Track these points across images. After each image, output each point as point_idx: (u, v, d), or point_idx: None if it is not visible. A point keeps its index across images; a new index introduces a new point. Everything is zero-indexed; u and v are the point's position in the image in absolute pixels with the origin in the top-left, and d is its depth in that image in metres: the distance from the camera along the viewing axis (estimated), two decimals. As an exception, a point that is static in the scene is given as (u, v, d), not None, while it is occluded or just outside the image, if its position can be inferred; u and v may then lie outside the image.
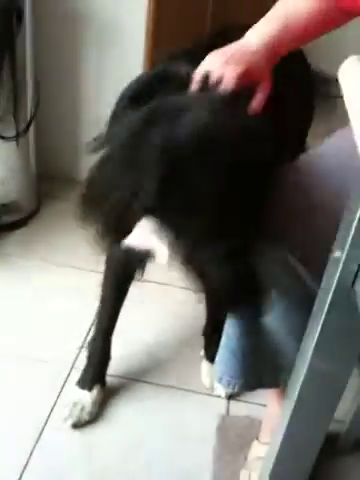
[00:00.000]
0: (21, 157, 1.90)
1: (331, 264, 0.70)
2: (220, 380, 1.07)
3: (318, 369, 0.74)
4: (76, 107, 2.07)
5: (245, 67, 0.92)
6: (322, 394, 0.77)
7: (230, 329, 1.01)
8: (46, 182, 2.12)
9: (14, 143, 1.82)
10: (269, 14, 1.01)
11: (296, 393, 0.77)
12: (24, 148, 1.89)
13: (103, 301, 1.36)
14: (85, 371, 1.38)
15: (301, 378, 0.75)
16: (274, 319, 0.95)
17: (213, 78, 0.92)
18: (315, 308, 0.72)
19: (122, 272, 1.30)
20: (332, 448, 1.12)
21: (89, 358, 1.38)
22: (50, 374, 1.43)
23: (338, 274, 0.66)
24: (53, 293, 1.67)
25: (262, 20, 1.01)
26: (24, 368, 1.44)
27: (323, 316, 0.67)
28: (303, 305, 0.89)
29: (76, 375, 1.40)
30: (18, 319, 1.59)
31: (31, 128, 1.88)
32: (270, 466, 0.86)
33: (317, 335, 0.70)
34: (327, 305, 0.66)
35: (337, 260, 0.67)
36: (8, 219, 1.94)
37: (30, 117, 1.85)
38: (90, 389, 1.36)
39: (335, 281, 0.66)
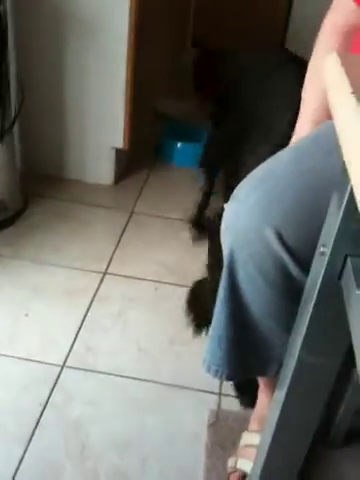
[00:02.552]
0: (6, 155, 1.89)
1: (317, 258, 0.70)
2: (208, 369, 1.07)
3: (307, 362, 0.74)
4: (60, 105, 2.06)
5: None
6: (312, 386, 0.77)
7: (217, 318, 1.01)
8: (32, 181, 2.11)
9: (-1, 142, 1.82)
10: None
11: (286, 386, 0.77)
12: (9, 146, 1.88)
13: None
14: None
15: (290, 371, 0.76)
16: (260, 309, 0.95)
17: None
18: (302, 302, 0.72)
19: None
20: (323, 441, 1.13)
21: None
22: (40, 374, 1.43)
23: (324, 268, 0.66)
24: (40, 292, 1.67)
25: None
26: (13, 368, 1.44)
27: (310, 310, 0.67)
28: (290, 296, 0.90)
29: (66, 375, 1.40)
30: (6, 318, 1.58)
31: (15, 126, 1.87)
32: (262, 459, 0.87)
33: (305, 329, 0.70)
34: (314, 299, 0.67)
35: (323, 254, 0.67)
36: (-5, 218, 1.93)
37: (14, 115, 1.84)
38: None
39: (321, 275, 0.66)
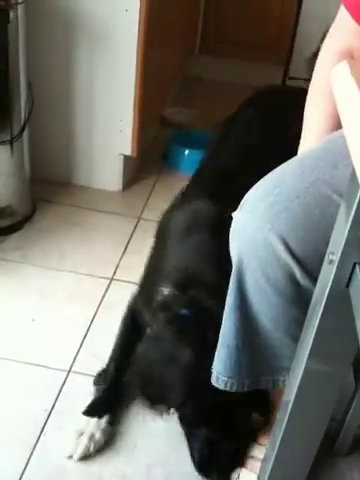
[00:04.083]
0: (15, 161, 1.90)
1: (326, 266, 0.70)
2: (216, 380, 1.07)
3: (314, 370, 0.74)
4: (69, 112, 2.07)
5: None
6: (319, 394, 0.77)
7: (225, 326, 1.01)
8: (41, 186, 2.12)
9: (8, 147, 1.82)
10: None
11: (293, 394, 0.77)
12: (18, 152, 1.89)
13: (118, 336, 1.44)
14: (96, 400, 1.36)
15: (298, 379, 0.76)
16: (268, 318, 0.95)
17: None
18: (310, 310, 0.72)
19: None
20: (329, 449, 1.12)
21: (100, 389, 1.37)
22: (46, 379, 1.43)
23: (333, 276, 0.66)
24: (47, 297, 1.67)
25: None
26: (19, 373, 1.44)
27: (318, 317, 0.67)
28: (298, 305, 0.90)
29: (72, 380, 1.40)
30: (13, 323, 1.58)
31: (25, 133, 1.88)
32: (268, 466, 0.86)
33: (313, 336, 0.70)
34: (322, 306, 0.67)
35: (331, 262, 0.67)
36: (3, 223, 1.94)
37: (24, 120, 1.85)
38: (100, 417, 1.32)
39: (330, 283, 0.66)
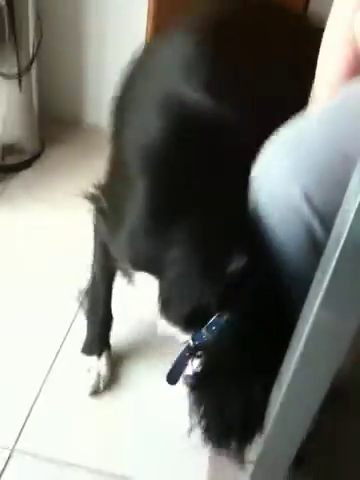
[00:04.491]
0: (23, 97, 1.85)
1: (342, 214, 0.68)
2: None
3: (324, 319, 0.72)
4: (80, 45, 2.00)
5: None
6: (327, 346, 0.76)
7: None
8: (50, 124, 2.08)
9: (16, 82, 1.77)
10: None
11: (302, 344, 0.76)
12: (26, 88, 1.84)
13: (98, 271, 1.31)
14: (88, 338, 1.36)
15: (307, 329, 0.74)
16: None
17: None
18: (324, 257, 0.70)
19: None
20: (342, 408, 1.11)
21: (89, 325, 1.35)
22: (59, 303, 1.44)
23: (349, 224, 0.63)
24: (56, 234, 1.66)
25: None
26: (28, 308, 1.45)
27: (333, 265, 0.65)
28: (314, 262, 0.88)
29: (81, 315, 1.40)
30: (21, 260, 1.58)
31: (33, 66, 1.82)
32: (271, 418, 0.86)
33: (326, 284, 0.68)
34: (337, 254, 0.65)
35: (348, 211, 0.64)
36: (12, 160, 1.92)
37: (32, 54, 1.79)
38: (99, 355, 1.34)
39: (346, 231, 0.64)
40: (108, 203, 1.10)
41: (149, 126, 1.00)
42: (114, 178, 1.12)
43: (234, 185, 0.94)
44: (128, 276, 1.09)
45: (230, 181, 0.95)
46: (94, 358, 1.33)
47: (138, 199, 0.96)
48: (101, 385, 1.31)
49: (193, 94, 0.97)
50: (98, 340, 1.34)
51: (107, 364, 1.33)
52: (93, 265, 1.31)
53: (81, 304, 1.39)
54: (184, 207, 0.94)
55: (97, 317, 1.34)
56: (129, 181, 0.99)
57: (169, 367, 1.11)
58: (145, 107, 1.05)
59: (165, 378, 1.13)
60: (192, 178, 0.95)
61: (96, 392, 1.31)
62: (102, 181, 1.15)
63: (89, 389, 1.30)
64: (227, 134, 0.96)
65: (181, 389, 1.26)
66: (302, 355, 0.75)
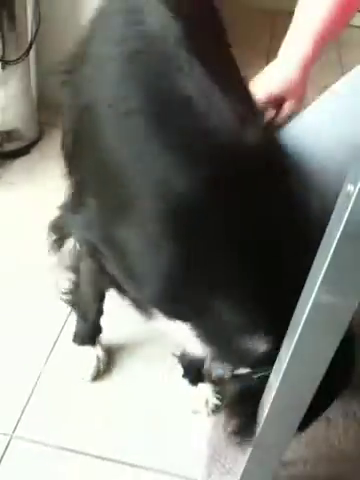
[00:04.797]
0: (21, 83, 1.84)
1: (343, 195, 0.67)
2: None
3: (323, 301, 0.72)
4: (78, 31, 1.98)
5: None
6: (327, 327, 0.75)
7: None
8: (48, 111, 2.06)
9: (14, 67, 1.76)
10: (294, 32, 1.02)
11: (300, 326, 0.76)
12: (24, 74, 1.83)
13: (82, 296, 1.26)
14: (79, 331, 1.34)
15: (306, 311, 0.74)
16: None
17: None
18: (325, 238, 0.70)
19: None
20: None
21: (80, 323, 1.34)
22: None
23: (351, 205, 0.63)
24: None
25: (290, 39, 1.02)
26: (27, 295, 1.45)
27: (333, 246, 0.65)
28: None
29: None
30: (21, 246, 1.58)
31: (32, 53, 1.81)
32: (269, 399, 0.86)
33: (326, 265, 0.68)
34: (338, 236, 0.64)
35: (349, 192, 0.64)
36: (10, 147, 1.90)
37: (31, 39, 1.78)
38: (94, 343, 1.34)
39: (347, 212, 0.63)
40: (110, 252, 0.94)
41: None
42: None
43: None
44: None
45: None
46: (89, 347, 1.33)
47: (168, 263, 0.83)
48: (101, 368, 1.32)
49: None
50: (90, 330, 1.34)
51: (103, 350, 1.34)
52: (77, 283, 1.22)
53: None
54: None
55: (87, 322, 1.33)
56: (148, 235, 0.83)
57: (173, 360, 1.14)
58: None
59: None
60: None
61: (96, 377, 1.31)
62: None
63: (88, 376, 1.30)
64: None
65: (179, 377, 1.27)
66: (301, 336, 0.75)
